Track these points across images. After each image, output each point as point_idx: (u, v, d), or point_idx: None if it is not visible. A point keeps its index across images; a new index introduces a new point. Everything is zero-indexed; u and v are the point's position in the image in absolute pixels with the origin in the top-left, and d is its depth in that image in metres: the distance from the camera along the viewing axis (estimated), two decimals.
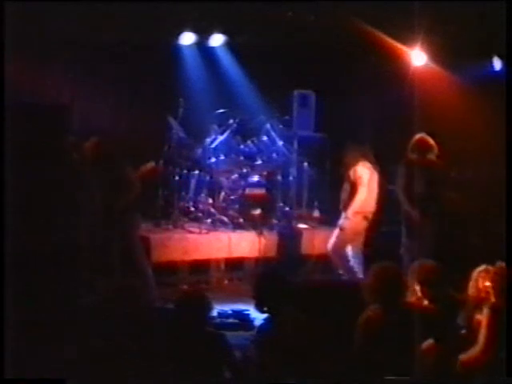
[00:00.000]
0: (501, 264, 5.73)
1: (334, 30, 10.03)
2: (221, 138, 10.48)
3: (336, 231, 9.04)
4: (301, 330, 5.52)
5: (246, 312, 8.05)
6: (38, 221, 8.91)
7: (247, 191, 10.37)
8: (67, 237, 8.75)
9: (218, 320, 7.86)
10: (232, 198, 10.34)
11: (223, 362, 5.47)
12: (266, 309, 5.67)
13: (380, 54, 9.92)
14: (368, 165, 8.99)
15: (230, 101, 11.01)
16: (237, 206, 10.29)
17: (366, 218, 8.98)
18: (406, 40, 9.66)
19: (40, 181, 9.18)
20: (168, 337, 5.48)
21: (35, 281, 7.31)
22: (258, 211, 10.28)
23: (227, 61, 11.31)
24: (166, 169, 10.23)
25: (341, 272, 8.99)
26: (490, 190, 9.46)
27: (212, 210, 10.24)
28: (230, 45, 11.00)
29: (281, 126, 10.87)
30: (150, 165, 9.22)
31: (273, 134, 10.74)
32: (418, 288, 5.92)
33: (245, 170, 10.39)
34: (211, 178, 10.38)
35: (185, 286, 9.27)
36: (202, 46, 10.97)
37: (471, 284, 5.83)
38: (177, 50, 10.95)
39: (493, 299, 5.55)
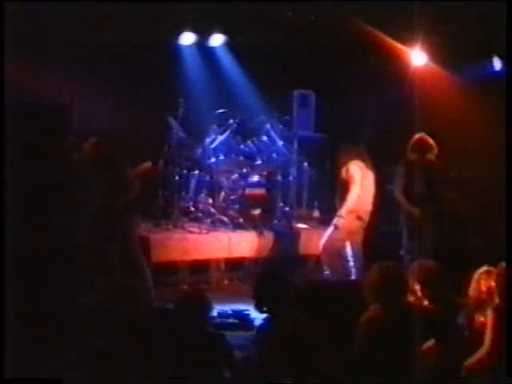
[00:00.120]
0: (503, 265, 5.73)
1: (333, 30, 10.02)
2: (221, 138, 10.48)
3: (329, 230, 9.00)
4: (301, 330, 5.52)
5: (246, 312, 8.05)
6: (37, 221, 8.92)
7: (247, 191, 10.37)
8: (67, 237, 8.76)
9: (218, 320, 7.86)
10: (232, 198, 10.34)
11: (223, 362, 5.46)
12: (265, 309, 5.67)
13: (380, 54, 9.91)
14: (360, 164, 8.94)
15: (230, 101, 11.01)
16: (237, 206, 10.29)
17: (359, 217, 8.91)
18: (406, 40, 9.66)
19: (40, 181, 9.19)
20: (168, 337, 5.48)
21: (35, 281, 7.32)
22: (257, 211, 10.29)
23: (227, 61, 11.31)
24: (166, 169, 10.23)
25: (326, 271, 8.92)
26: (490, 189, 9.45)
27: (212, 209, 10.24)
28: (230, 45, 11.00)
29: (281, 126, 10.87)
30: (146, 165, 9.22)
31: (273, 134, 10.74)
32: (417, 288, 5.92)
33: (245, 170, 10.39)
34: (211, 178, 10.38)
35: (185, 286, 9.27)
36: (201, 45, 10.97)
37: (472, 285, 5.83)
38: (177, 50, 10.95)
39: (497, 300, 5.55)
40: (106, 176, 8.27)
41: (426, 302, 5.90)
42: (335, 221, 8.96)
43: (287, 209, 10.58)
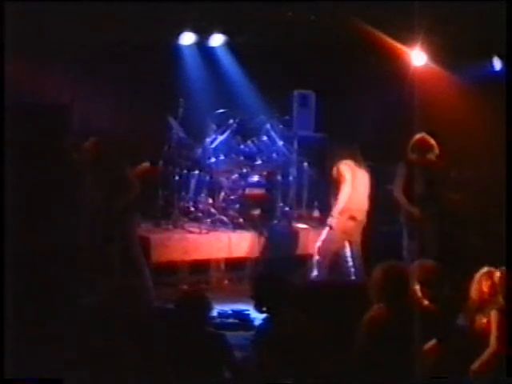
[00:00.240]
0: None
1: (333, 30, 10.03)
2: (221, 137, 10.48)
3: (324, 232, 9.00)
4: (300, 330, 5.52)
5: (246, 312, 8.05)
6: (37, 221, 8.92)
7: (247, 191, 10.37)
8: (67, 237, 8.76)
9: (218, 320, 7.86)
10: (232, 197, 10.34)
11: (223, 362, 5.46)
12: (265, 309, 5.67)
13: (380, 54, 9.92)
14: (351, 163, 8.91)
15: (230, 101, 11.01)
16: (237, 206, 10.29)
17: (352, 217, 8.86)
18: (406, 40, 9.67)
19: (40, 181, 9.19)
20: (168, 337, 5.47)
21: (35, 281, 7.31)
22: (257, 211, 10.29)
23: (227, 61, 11.31)
24: (165, 169, 10.24)
25: (315, 272, 8.90)
26: (490, 189, 9.45)
27: (212, 210, 10.24)
28: (230, 45, 11.00)
29: (281, 126, 10.87)
30: (146, 165, 9.22)
31: (273, 134, 10.74)
32: (417, 288, 5.92)
33: (245, 170, 10.39)
34: (211, 178, 10.38)
35: (185, 286, 9.27)
36: (201, 45, 10.98)
37: (474, 286, 5.82)
38: (177, 50, 10.96)
39: (501, 301, 5.55)
40: (105, 176, 8.27)
41: (426, 302, 5.90)
42: (329, 221, 8.97)
43: (287, 209, 10.57)
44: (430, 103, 9.40)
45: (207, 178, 10.37)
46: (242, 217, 10.20)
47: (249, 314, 7.99)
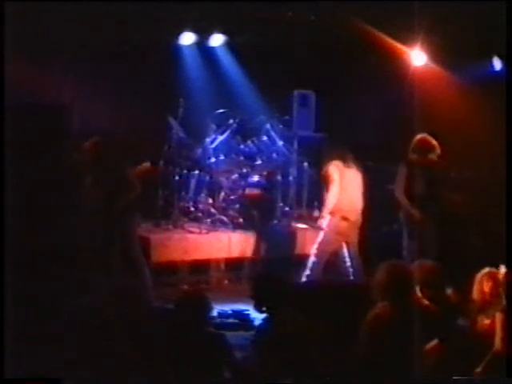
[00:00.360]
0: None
1: (333, 30, 10.03)
2: (221, 137, 10.48)
3: (321, 233, 9.00)
4: (300, 329, 5.52)
5: (246, 312, 8.05)
6: (37, 221, 8.92)
7: (247, 191, 10.37)
8: (67, 237, 8.76)
9: (218, 320, 7.86)
10: (232, 197, 10.34)
11: (223, 362, 5.46)
12: (264, 309, 5.67)
13: (380, 54, 9.92)
14: (340, 164, 8.91)
15: (230, 101, 11.01)
16: (237, 206, 10.29)
17: (344, 217, 8.87)
18: (406, 40, 9.67)
19: (40, 181, 9.19)
20: (168, 337, 5.47)
21: (35, 281, 7.31)
22: (258, 211, 10.29)
23: (227, 61, 11.31)
24: (166, 169, 10.24)
25: (309, 272, 8.90)
26: (490, 189, 9.46)
27: (212, 210, 10.24)
28: (230, 45, 11.00)
29: (281, 126, 10.87)
30: (146, 165, 9.21)
31: (273, 134, 10.74)
32: (417, 288, 5.92)
33: (245, 170, 10.39)
34: (211, 178, 10.38)
35: (185, 286, 9.26)
36: (201, 45, 10.98)
37: (475, 287, 5.83)
38: (177, 50, 10.96)
39: (504, 302, 5.55)
40: (106, 176, 8.26)
41: (426, 302, 5.90)
42: (318, 222, 9.00)
43: (287, 209, 10.57)
44: (430, 103, 9.40)
45: (207, 178, 10.37)
46: (241, 217, 10.20)
47: (249, 314, 7.99)
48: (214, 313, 7.31)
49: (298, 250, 10.03)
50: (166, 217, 10.17)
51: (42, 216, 9.09)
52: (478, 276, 5.85)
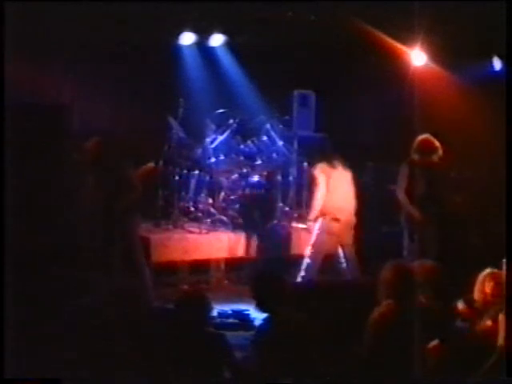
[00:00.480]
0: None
1: (333, 30, 10.03)
2: (221, 137, 10.48)
3: (313, 235, 9.01)
4: (300, 330, 5.52)
5: (246, 312, 8.05)
6: (37, 221, 8.92)
7: (247, 191, 10.36)
8: (67, 237, 8.76)
9: (218, 320, 7.86)
10: (232, 198, 10.34)
11: (223, 362, 5.46)
12: (265, 309, 5.67)
13: (380, 54, 9.92)
14: (324, 166, 8.92)
15: (230, 101, 11.01)
16: (237, 206, 10.29)
17: (335, 219, 8.86)
18: (406, 40, 9.67)
19: (40, 181, 9.19)
20: (168, 337, 5.47)
21: (35, 281, 7.31)
22: (257, 211, 10.28)
23: (227, 61, 11.31)
24: (165, 169, 10.23)
25: (303, 274, 8.90)
26: (490, 189, 9.46)
27: (212, 210, 10.24)
28: (230, 45, 11.00)
29: (281, 126, 10.87)
30: (150, 165, 9.21)
31: (273, 134, 10.74)
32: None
33: (245, 170, 10.39)
34: (211, 178, 10.38)
35: (185, 286, 9.27)
36: (201, 45, 10.98)
37: (476, 287, 5.82)
38: (177, 50, 10.96)
39: (506, 303, 5.54)
40: (107, 176, 8.26)
41: (426, 303, 5.89)
42: (306, 225, 9.04)
43: (287, 209, 10.57)
44: (430, 103, 9.39)
45: (207, 178, 10.37)
46: (241, 217, 10.19)
47: (249, 314, 7.99)
48: (214, 313, 7.31)
49: (298, 250, 10.02)
50: (166, 217, 10.17)
51: (42, 216, 9.09)
52: (480, 276, 5.84)
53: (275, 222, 10.34)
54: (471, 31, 9.38)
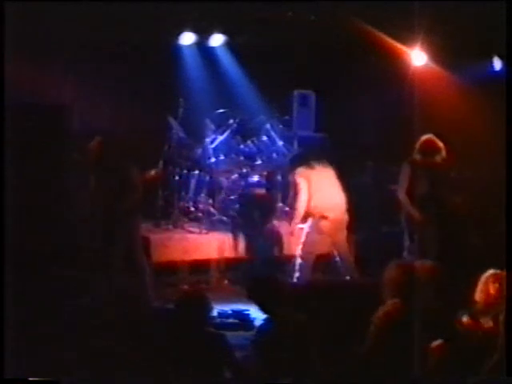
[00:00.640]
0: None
1: (334, 30, 10.03)
2: (221, 137, 10.48)
3: (303, 234, 9.01)
4: (300, 330, 5.52)
5: (246, 312, 8.05)
6: (37, 221, 8.92)
7: (247, 191, 10.36)
8: (67, 237, 8.76)
9: (218, 320, 7.85)
10: (232, 198, 10.33)
11: (223, 362, 5.46)
12: (265, 309, 5.67)
13: (380, 53, 9.92)
14: (303, 170, 8.91)
15: (230, 101, 11.01)
16: (237, 206, 10.28)
17: (323, 217, 8.85)
18: (406, 40, 9.67)
19: (40, 181, 9.19)
20: (168, 337, 5.47)
21: (35, 281, 7.32)
22: (257, 211, 10.28)
23: (227, 61, 11.30)
24: (165, 169, 10.23)
25: (297, 274, 8.90)
26: (490, 189, 9.45)
27: (212, 210, 10.24)
28: (230, 45, 10.99)
29: (281, 126, 10.88)
30: (155, 171, 9.23)
31: (273, 134, 10.74)
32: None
33: (245, 170, 10.39)
34: (211, 178, 10.38)
35: (185, 286, 9.26)
36: (201, 45, 10.97)
37: (480, 289, 5.80)
38: (177, 50, 10.95)
39: (506, 303, 5.54)
40: (109, 176, 8.26)
41: (426, 303, 5.89)
42: (291, 228, 9.08)
43: (287, 209, 10.57)
44: (430, 103, 9.40)
45: (207, 178, 10.37)
46: (241, 217, 10.19)
47: (249, 314, 7.99)
48: (214, 313, 7.31)
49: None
50: (166, 217, 10.17)
51: (42, 216, 9.08)
52: (483, 277, 5.83)
53: (275, 221, 10.34)
54: (471, 31, 9.38)
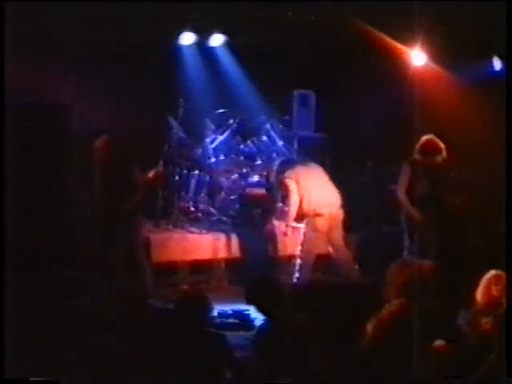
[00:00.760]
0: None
1: (334, 30, 10.03)
2: (221, 137, 10.49)
3: (301, 234, 9.02)
4: (300, 330, 5.52)
5: (246, 312, 8.04)
6: (37, 221, 8.92)
7: (247, 191, 10.36)
8: (67, 237, 8.76)
9: (218, 320, 7.85)
10: (232, 197, 10.34)
11: (223, 362, 5.46)
12: (263, 312, 5.67)
13: (380, 53, 9.92)
14: (291, 172, 8.95)
15: (230, 101, 11.01)
16: (237, 206, 10.28)
17: (317, 214, 8.87)
18: (406, 40, 9.66)
19: (40, 181, 9.19)
20: (168, 337, 5.47)
21: (35, 281, 7.32)
22: (257, 211, 10.28)
23: (227, 61, 11.31)
24: (166, 169, 10.23)
25: (297, 274, 8.90)
26: (490, 189, 9.46)
27: (212, 210, 10.24)
28: (230, 45, 11.00)
29: (281, 126, 10.88)
30: (157, 172, 9.23)
31: (273, 134, 10.74)
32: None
33: (245, 170, 10.39)
34: (211, 178, 10.38)
35: (185, 286, 9.26)
36: (201, 45, 10.97)
37: (481, 289, 5.80)
38: (177, 50, 10.95)
39: (507, 303, 5.54)
40: (114, 176, 8.26)
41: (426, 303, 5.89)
42: (284, 231, 9.13)
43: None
44: (430, 103, 9.38)
45: (207, 178, 10.37)
46: (241, 217, 10.19)
47: (249, 314, 7.99)
48: (214, 313, 7.31)
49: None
50: (166, 217, 10.17)
51: (42, 216, 9.08)
52: (485, 279, 5.82)
53: (275, 222, 10.33)
54: (471, 31, 9.38)
